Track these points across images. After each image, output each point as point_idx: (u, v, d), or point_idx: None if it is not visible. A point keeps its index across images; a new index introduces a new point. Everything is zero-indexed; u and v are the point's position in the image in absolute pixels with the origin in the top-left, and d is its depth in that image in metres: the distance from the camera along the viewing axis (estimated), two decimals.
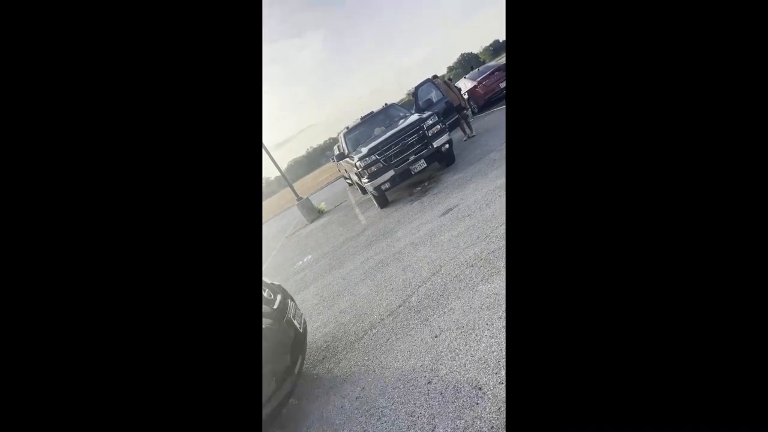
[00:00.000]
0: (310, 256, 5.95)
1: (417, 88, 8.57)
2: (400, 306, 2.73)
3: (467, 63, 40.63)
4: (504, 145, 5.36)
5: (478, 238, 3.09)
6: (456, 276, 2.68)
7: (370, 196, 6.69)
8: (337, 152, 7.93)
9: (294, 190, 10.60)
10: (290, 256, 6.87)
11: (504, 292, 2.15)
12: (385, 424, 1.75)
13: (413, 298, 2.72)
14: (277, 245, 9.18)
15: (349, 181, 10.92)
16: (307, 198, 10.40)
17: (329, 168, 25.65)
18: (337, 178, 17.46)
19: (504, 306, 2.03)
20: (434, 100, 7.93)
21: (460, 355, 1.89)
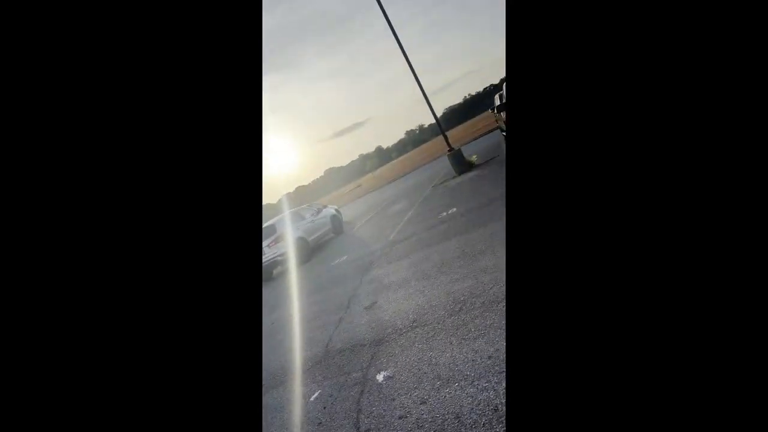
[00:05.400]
0: (455, 209, 5.99)
1: None
2: None
3: None
4: None
5: None
6: None
7: None
8: (497, 102, 7.36)
9: (447, 140, 10.55)
10: (435, 206, 7.09)
11: None
12: None
13: None
14: (424, 194, 9.55)
15: (506, 134, 10.12)
16: (459, 149, 10.23)
17: (487, 117, 24.20)
18: (494, 130, 16.40)
19: None
20: None
21: None
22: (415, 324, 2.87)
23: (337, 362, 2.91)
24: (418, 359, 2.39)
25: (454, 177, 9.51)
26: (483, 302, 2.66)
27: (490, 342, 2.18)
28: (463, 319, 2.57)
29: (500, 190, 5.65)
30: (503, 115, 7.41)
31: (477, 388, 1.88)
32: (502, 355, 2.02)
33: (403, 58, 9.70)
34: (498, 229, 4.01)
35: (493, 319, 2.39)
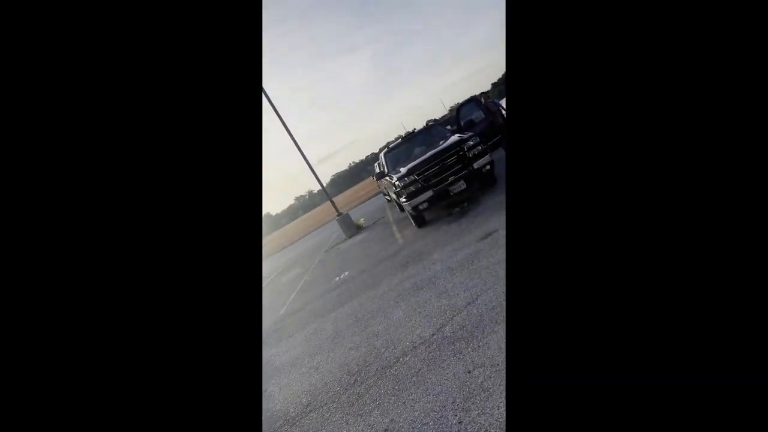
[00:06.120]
0: (347, 273, 6.03)
1: (460, 106, 8.51)
2: (433, 335, 2.67)
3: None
4: None
5: None
6: (493, 307, 2.58)
7: (407, 214, 6.71)
8: (377, 170, 8.06)
9: (334, 206, 10.88)
10: (329, 271, 7.02)
11: None
12: None
13: (447, 328, 2.66)
14: (318, 258, 9.42)
15: (388, 198, 11.02)
16: (347, 213, 10.61)
17: (370, 183, 26.05)
18: (377, 194, 17.67)
19: None
20: (476, 120, 7.79)
21: (493, 396, 1.81)
22: (308, 408, 2.63)
23: None
24: None
25: (345, 240, 9.69)
26: (377, 369, 2.63)
27: (385, 412, 2.13)
28: (358, 392, 2.48)
29: (388, 251, 5.97)
30: (383, 181, 8.12)
31: None
32: (397, 426, 1.98)
33: (287, 132, 10.02)
34: (387, 289, 4.15)
35: (387, 386, 2.37)
